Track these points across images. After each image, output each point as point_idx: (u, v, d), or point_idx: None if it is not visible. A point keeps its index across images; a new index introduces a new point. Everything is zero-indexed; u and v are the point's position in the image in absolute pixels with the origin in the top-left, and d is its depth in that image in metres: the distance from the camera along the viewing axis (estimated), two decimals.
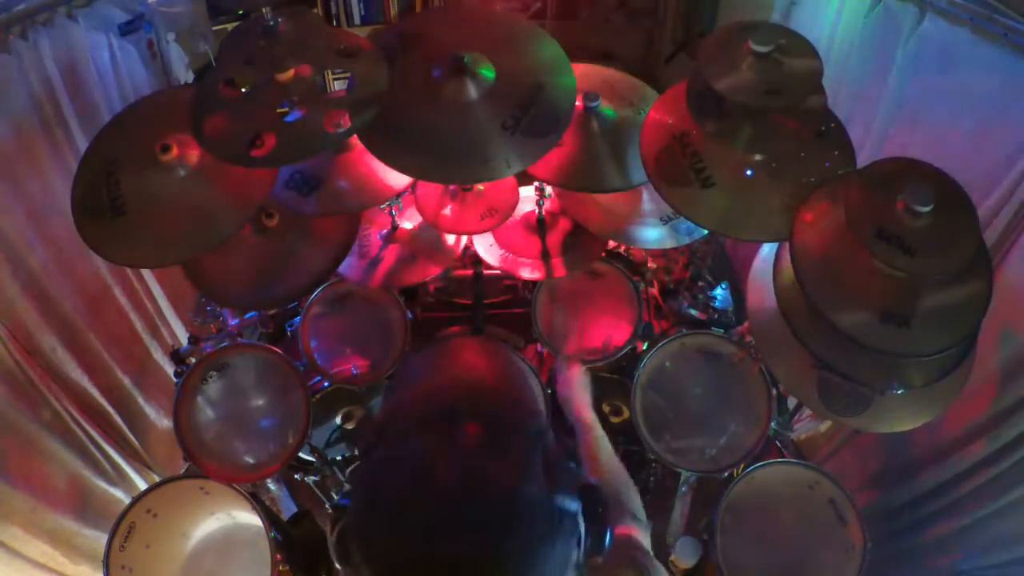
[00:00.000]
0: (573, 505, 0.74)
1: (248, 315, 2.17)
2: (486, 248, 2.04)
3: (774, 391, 1.83)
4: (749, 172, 1.58)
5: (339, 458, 2.07)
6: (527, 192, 2.04)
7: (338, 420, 2.15)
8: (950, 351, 1.39)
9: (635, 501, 1.24)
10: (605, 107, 1.77)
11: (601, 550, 0.80)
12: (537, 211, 2.06)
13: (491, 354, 0.99)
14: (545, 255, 2.01)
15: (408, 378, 1.01)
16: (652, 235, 1.89)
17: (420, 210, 1.94)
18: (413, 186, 1.92)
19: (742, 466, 1.81)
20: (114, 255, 1.56)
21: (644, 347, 2.03)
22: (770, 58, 1.46)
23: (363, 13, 3.16)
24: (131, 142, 1.57)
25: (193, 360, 1.91)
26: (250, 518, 1.81)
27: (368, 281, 1.96)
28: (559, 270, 1.98)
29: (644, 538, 1.12)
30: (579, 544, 0.75)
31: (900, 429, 1.63)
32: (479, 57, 1.61)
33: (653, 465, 2.01)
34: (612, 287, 2.11)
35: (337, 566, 0.76)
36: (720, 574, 1.70)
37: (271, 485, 1.95)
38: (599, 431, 1.40)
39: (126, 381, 2.28)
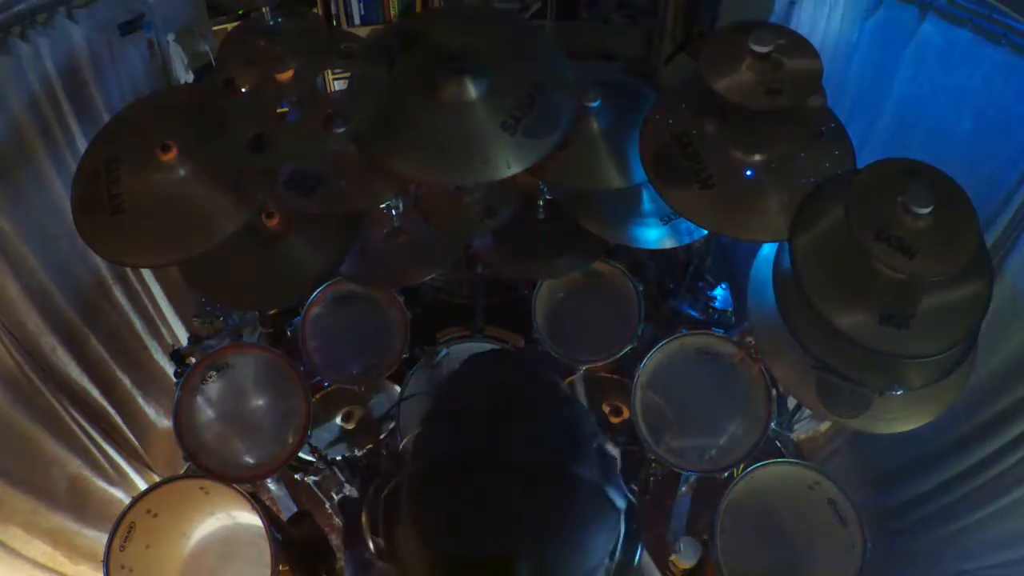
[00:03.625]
0: (621, 502, 0.74)
1: (248, 315, 2.17)
2: (486, 248, 2.04)
3: (774, 391, 1.83)
4: (749, 172, 1.58)
5: (339, 458, 2.07)
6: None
7: (338, 420, 2.15)
8: (950, 352, 1.39)
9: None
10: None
11: (631, 563, 0.80)
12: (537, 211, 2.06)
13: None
14: (545, 255, 2.01)
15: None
16: (652, 235, 1.89)
17: (420, 210, 1.94)
18: (413, 186, 1.92)
19: (742, 466, 1.81)
20: (113, 255, 1.56)
21: None
22: (770, 58, 1.45)
23: (363, 13, 3.15)
24: (131, 142, 1.57)
25: (193, 360, 1.91)
26: (250, 518, 1.81)
27: (368, 281, 1.96)
28: (559, 270, 1.98)
29: None
30: (618, 543, 0.74)
31: (900, 430, 1.63)
32: (479, 57, 1.61)
33: (653, 465, 2.01)
34: (612, 287, 2.11)
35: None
36: (720, 574, 1.70)
37: (271, 485, 1.95)
38: None
39: (126, 381, 2.28)
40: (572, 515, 0.68)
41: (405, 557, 0.72)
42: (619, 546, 0.75)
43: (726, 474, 1.83)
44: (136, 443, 2.33)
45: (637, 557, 0.81)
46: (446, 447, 0.74)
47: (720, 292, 2.25)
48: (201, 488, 1.80)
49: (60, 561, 2.02)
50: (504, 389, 0.79)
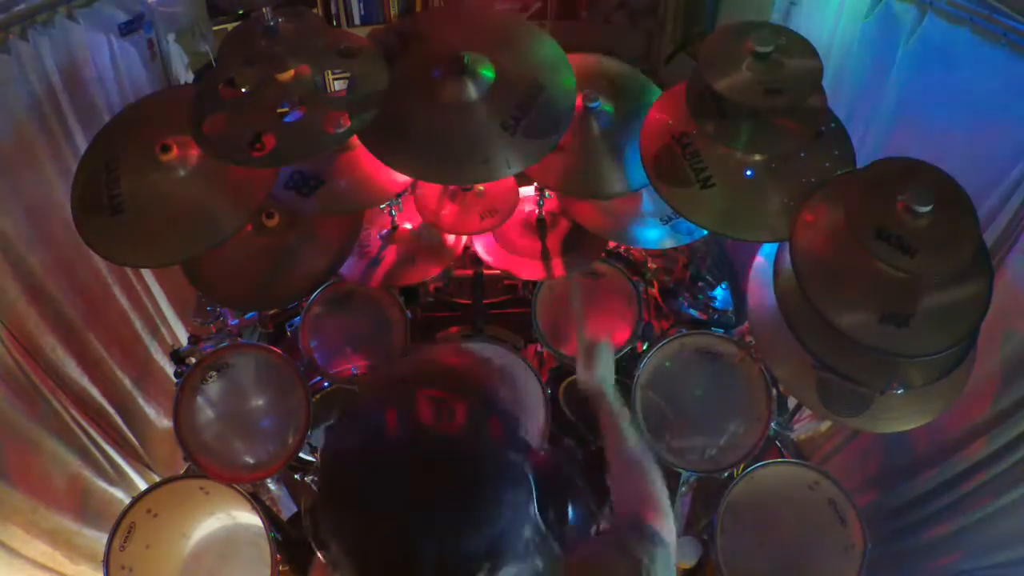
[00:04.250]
0: (518, 458, 0.78)
1: (248, 315, 2.17)
2: (486, 248, 2.04)
3: (774, 391, 1.83)
4: (749, 172, 1.59)
5: None
6: (527, 192, 2.04)
7: None
8: (950, 351, 1.39)
9: (655, 486, 1.16)
10: (605, 104, 1.77)
11: (564, 520, 0.84)
12: (537, 211, 2.06)
13: (462, 350, 1.07)
14: (545, 255, 2.01)
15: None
16: (652, 235, 1.89)
17: (420, 210, 1.94)
18: (413, 186, 1.92)
19: (742, 466, 1.81)
20: (114, 255, 1.56)
21: (644, 347, 2.03)
22: (770, 58, 1.46)
23: (363, 13, 3.16)
24: (131, 142, 1.57)
25: (193, 360, 1.91)
26: (250, 518, 1.81)
27: (368, 281, 1.96)
28: (559, 270, 1.98)
29: (663, 522, 1.09)
30: (531, 498, 0.78)
31: (900, 429, 1.63)
32: (479, 57, 1.61)
33: None
34: (612, 287, 2.11)
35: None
36: (720, 574, 1.70)
37: (271, 485, 1.95)
38: (618, 417, 1.31)
39: (126, 381, 2.28)
40: (467, 482, 0.73)
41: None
42: (535, 498, 0.78)
43: (726, 474, 1.83)
44: (136, 443, 2.33)
45: (570, 513, 0.87)
46: (349, 441, 0.80)
47: (720, 292, 2.24)
48: (201, 488, 1.80)
49: (60, 561, 2.02)
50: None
